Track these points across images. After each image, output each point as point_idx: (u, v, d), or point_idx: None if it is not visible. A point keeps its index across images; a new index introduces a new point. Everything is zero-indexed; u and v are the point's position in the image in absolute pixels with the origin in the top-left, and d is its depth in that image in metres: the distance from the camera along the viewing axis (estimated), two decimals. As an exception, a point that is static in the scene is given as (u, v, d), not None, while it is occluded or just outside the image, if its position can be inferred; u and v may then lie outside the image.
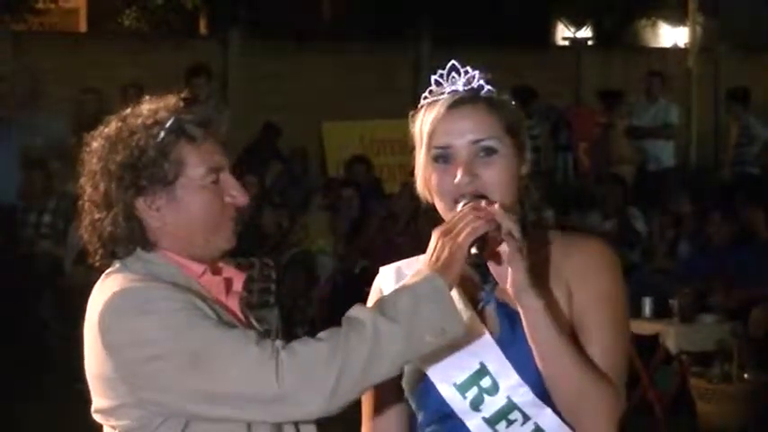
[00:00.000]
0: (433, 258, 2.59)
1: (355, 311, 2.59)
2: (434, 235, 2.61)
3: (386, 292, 2.72)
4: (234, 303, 2.83)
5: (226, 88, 15.31)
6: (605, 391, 2.67)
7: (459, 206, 2.65)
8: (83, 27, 20.31)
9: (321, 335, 2.58)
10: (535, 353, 2.65)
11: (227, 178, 2.80)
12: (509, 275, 2.63)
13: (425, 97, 2.77)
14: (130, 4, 19.26)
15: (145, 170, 2.72)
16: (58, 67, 13.99)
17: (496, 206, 2.62)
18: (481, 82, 2.74)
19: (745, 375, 9.47)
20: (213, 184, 2.77)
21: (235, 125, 12.43)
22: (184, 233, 2.75)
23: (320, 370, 2.52)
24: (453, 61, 2.76)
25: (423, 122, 2.74)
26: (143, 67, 13.88)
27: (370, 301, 2.77)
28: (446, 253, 2.57)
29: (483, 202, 2.63)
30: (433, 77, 2.76)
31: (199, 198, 2.75)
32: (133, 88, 10.97)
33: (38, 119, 12.04)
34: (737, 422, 9.14)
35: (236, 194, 2.80)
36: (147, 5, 19.16)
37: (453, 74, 2.74)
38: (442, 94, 2.73)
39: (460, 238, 2.57)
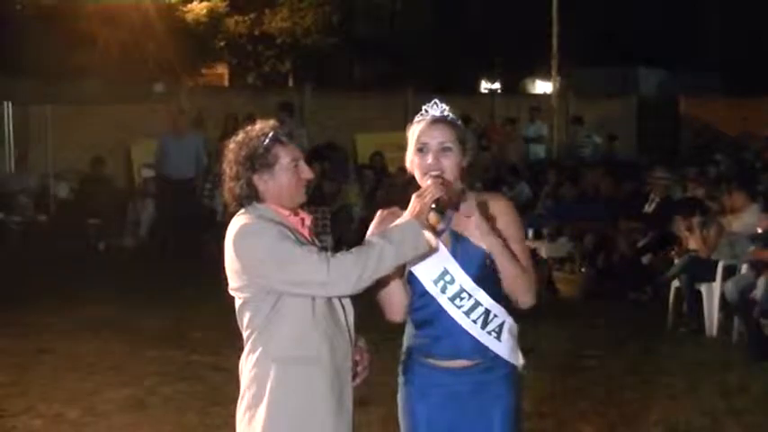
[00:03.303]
0: (411, 209, 2.57)
1: (371, 238, 2.58)
2: (413, 197, 2.60)
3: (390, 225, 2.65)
4: (305, 231, 2.79)
5: (303, 117, 15.21)
6: (529, 276, 2.69)
7: (428, 181, 2.63)
8: (226, 83, 20.24)
9: (353, 250, 2.55)
10: (497, 261, 2.64)
11: (302, 164, 2.75)
12: (480, 229, 2.63)
13: (417, 117, 2.74)
14: (251, 71, 19.26)
15: (257, 160, 2.68)
16: (212, 106, 13.92)
17: (452, 184, 2.62)
18: (448, 112, 2.73)
19: (582, 269, 9.59)
20: (295, 168, 2.73)
21: (307, 137, 12.49)
22: (278, 194, 2.72)
23: (350, 269, 2.50)
24: (435, 99, 2.75)
25: (413, 130, 2.72)
26: (258, 104, 13.78)
27: (375, 223, 2.74)
28: (418, 207, 2.56)
29: (440, 180, 2.61)
30: (423, 107, 2.74)
31: (287, 175, 2.71)
32: (252, 117, 10.83)
33: (202, 133, 11.97)
34: (578, 294, 9.22)
35: (306, 173, 2.76)
36: (259, 72, 19.13)
37: (435, 105, 2.73)
38: (427, 115, 2.72)
39: (426, 200, 2.56)
